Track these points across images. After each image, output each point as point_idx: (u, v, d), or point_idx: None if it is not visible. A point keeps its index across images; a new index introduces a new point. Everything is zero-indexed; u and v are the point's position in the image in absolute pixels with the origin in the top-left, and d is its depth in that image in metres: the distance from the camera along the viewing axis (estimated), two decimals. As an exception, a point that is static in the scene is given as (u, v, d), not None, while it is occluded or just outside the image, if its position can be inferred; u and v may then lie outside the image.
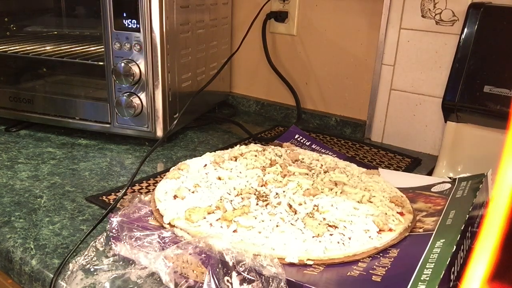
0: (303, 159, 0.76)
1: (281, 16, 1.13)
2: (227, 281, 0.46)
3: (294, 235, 0.53)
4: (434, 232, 0.55)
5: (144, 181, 0.77)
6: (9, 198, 0.70)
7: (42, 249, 0.58)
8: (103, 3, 0.85)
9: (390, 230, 0.56)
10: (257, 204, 0.59)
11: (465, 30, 0.82)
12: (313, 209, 0.59)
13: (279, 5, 1.13)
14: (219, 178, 0.67)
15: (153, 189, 0.68)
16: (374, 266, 0.50)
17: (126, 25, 0.84)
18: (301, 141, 0.93)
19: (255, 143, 0.91)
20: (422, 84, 0.96)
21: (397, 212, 0.60)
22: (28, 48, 1.06)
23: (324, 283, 0.47)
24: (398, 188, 0.69)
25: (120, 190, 0.73)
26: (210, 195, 0.61)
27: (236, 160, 0.73)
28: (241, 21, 1.21)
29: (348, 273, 0.49)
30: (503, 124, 0.77)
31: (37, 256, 0.57)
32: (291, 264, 0.50)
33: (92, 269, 0.52)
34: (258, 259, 0.47)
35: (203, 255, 0.48)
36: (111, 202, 0.69)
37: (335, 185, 0.66)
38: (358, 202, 0.61)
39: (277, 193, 0.62)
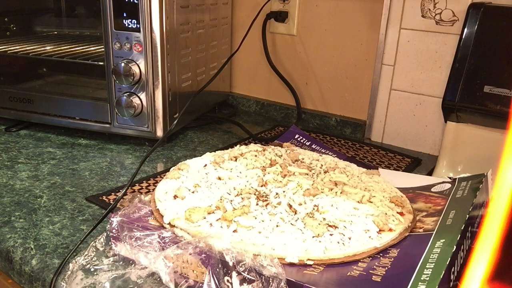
0: (303, 159, 0.76)
1: (281, 16, 1.13)
2: (227, 281, 0.46)
3: (294, 235, 0.53)
4: (434, 232, 0.55)
5: (144, 181, 0.77)
6: (9, 198, 0.70)
7: (42, 249, 0.58)
8: (103, 3, 0.85)
9: (390, 230, 0.56)
10: (257, 204, 0.59)
11: (465, 30, 0.82)
12: (313, 209, 0.59)
13: (279, 5, 1.13)
14: (219, 178, 0.67)
15: (153, 189, 0.68)
16: (374, 266, 0.50)
17: (126, 25, 0.84)
18: (301, 141, 0.93)
19: (255, 143, 0.91)
20: (422, 84, 0.96)
21: (397, 212, 0.60)
22: (28, 48, 1.06)
23: (324, 283, 0.47)
24: (398, 188, 0.69)
25: (120, 190, 0.73)
26: (210, 195, 0.61)
27: (236, 160, 0.73)
28: (241, 21, 1.21)
29: (348, 273, 0.49)
30: (503, 124, 0.77)
31: (37, 256, 0.57)
32: (291, 264, 0.50)
33: (92, 269, 0.52)
34: (258, 259, 0.47)
35: (203, 255, 0.48)
36: (111, 202, 0.69)
37: (335, 185, 0.66)
38: (358, 202, 0.61)
39: (277, 193, 0.62)
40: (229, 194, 0.62)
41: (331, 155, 0.86)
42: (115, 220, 0.55)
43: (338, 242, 0.52)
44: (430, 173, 0.88)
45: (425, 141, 0.99)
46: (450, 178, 0.73)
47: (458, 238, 0.49)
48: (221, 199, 0.60)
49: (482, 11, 0.81)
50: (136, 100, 0.88)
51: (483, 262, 0.28)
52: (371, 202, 0.62)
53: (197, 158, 0.75)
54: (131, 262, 0.53)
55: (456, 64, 0.83)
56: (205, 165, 0.71)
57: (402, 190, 0.69)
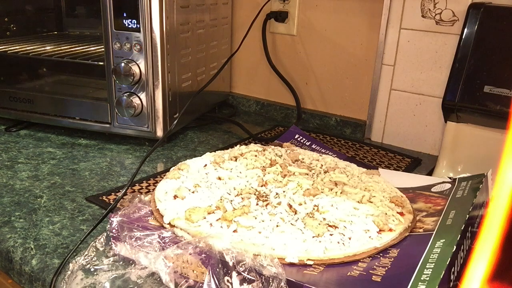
0: (303, 159, 0.76)
1: (281, 16, 1.13)
2: (227, 281, 0.46)
3: (294, 235, 0.53)
4: (434, 232, 0.55)
5: (144, 181, 0.77)
6: (9, 198, 0.70)
7: (42, 249, 0.58)
8: (103, 3, 0.85)
9: (390, 230, 0.56)
10: (257, 204, 0.59)
11: (465, 30, 0.82)
12: (313, 209, 0.59)
13: (279, 5, 1.13)
14: (219, 178, 0.67)
15: (153, 189, 0.68)
16: (374, 266, 0.50)
17: (126, 25, 0.84)
18: (301, 141, 0.93)
19: (255, 143, 0.91)
20: (422, 84, 0.96)
21: (397, 212, 0.60)
22: (28, 48, 1.06)
23: (324, 283, 0.47)
24: (398, 188, 0.69)
25: (120, 190, 0.73)
26: (210, 195, 0.61)
27: (236, 160, 0.73)
28: (241, 21, 1.21)
29: (348, 273, 0.49)
30: (503, 124, 0.77)
31: (37, 256, 0.57)
32: (291, 264, 0.50)
33: (92, 269, 0.52)
34: (258, 259, 0.47)
35: (203, 255, 0.48)
36: (111, 202, 0.69)
37: (335, 185, 0.66)
38: (358, 202, 0.61)
39: (277, 193, 0.62)
40: (229, 194, 0.62)
41: (331, 155, 0.86)
42: (115, 220, 0.55)
43: (338, 242, 0.52)
44: (430, 173, 0.88)
45: (425, 141, 0.99)
46: (450, 178, 0.73)
47: (458, 238, 0.49)
48: (221, 199, 0.60)
49: (482, 11, 0.81)
50: (136, 100, 0.88)
51: (483, 262, 0.28)
52: (371, 202, 0.62)
53: (197, 158, 0.75)
54: (131, 262, 0.53)
55: (456, 64, 0.83)
56: (205, 165, 0.71)
57: (402, 190, 0.69)
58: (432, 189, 0.69)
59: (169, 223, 0.56)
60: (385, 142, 1.04)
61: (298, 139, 0.93)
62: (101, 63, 0.91)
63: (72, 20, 1.26)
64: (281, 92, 1.20)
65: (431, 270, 0.46)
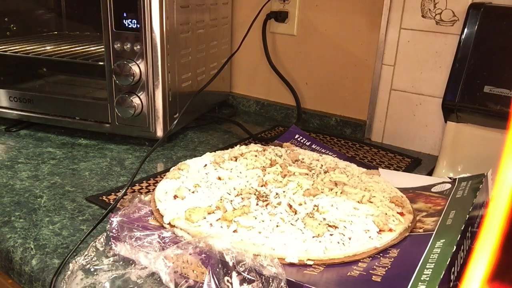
0: (303, 159, 0.76)
1: (281, 16, 1.13)
2: (227, 281, 0.46)
3: (294, 235, 0.53)
4: (434, 232, 0.55)
5: (144, 181, 0.77)
6: (9, 198, 0.70)
7: (42, 249, 0.58)
8: (103, 3, 0.85)
9: (390, 230, 0.56)
10: (257, 204, 0.59)
11: (465, 30, 0.82)
12: (313, 209, 0.59)
13: (279, 5, 1.13)
14: (219, 178, 0.67)
15: (153, 189, 0.68)
16: (374, 266, 0.50)
17: (126, 25, 0.84)
18: (301, 141, 0.93)
19: (255, 143, 0.91)
20: (422, 84, 0.96)
21: (397, 212, 0.60)
22: (28, 48, 1.06)
23: (324, 283, 0.47)
24: (398, 188, 0.69)
25: (120, 190, 0.73)
26: (210, 195, 0.61)
27: (236, 160, 0.73)
28: (241, 21, 1.21)
29: (348, 273, 0.49)
30: (503, 124, 0.77)
31: (37, 256, 0.57)
32: (291, 264, 0.50)
33: (92, 269, 0.52)
34: (258, 259, 0.47)
35: (203, 255, 0.48)
36: (111, 202, 0.69)
37: (335, 185, 0.66)
38: (358, 202, 0.61)
39: (277, 193, 0.62)
40: (229, 194, 0.62)
41: (331, 155, 0.86)
42: (115, 220, 0.55)
43: (338, 242, 0.52)
44: (430, 173, 0.88)
45: (425, 141, 0.99)
46: (450, 178, 0.73)
47: (458, 238, 0.49)
48: (221, 199, 0.60)
49: (482, 11, 0.81)
50: (136, 100, 0.88)
51: (483, 262, 0.28)
52: (371, 202, 0.62)
53: (197, 158, 0.75)
54: (131, 262, 0.53)
55: (456, 64, 0.83)
56: (205, 165, 0.71)
57: (402, 190, 0.69)
58: (432, 189, 0.69)
59: (169, 223, 0.56)
60: (385, 142, 1.04)
61: (298, 139, 0.93)
62: (101, 63, 0.91)
63: (72, 20, 1.26)
64: (281, 92, 1.20)
65: (431, 270, 0.46)
